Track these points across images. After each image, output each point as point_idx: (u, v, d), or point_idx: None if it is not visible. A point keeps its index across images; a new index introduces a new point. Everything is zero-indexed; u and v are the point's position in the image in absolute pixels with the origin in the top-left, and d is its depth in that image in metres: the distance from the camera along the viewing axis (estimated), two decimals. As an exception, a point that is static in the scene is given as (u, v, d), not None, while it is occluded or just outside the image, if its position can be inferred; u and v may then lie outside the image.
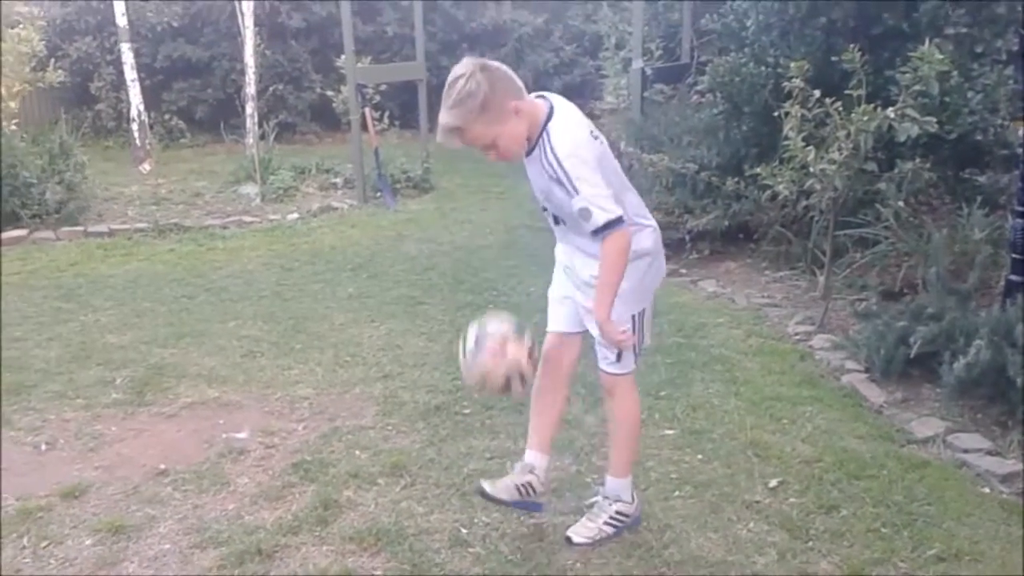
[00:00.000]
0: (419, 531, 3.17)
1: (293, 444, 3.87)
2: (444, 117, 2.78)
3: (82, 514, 3.34)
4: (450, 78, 2.76)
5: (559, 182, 2.73)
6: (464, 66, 2.77)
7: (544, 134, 2.77)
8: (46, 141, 8.27)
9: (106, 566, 3.02)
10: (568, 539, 3.11)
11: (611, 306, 2.79)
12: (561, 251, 3.12)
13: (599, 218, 2.69)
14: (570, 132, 2.78)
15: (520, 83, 2.82)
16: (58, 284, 6.30)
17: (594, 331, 2.97)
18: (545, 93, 2.90)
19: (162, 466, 3.69)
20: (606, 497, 3.15)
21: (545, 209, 2.99)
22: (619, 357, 3.00)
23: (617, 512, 3.13)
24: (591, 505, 3.20)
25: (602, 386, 3.16)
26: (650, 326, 3.12)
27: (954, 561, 2.97)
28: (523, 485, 3.16)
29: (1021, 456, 3.61)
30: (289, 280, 6.36)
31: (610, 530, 3.12)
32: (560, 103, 2.86)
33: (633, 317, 2.96)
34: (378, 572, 2.96)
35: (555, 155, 2.73)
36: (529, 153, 2.85)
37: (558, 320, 3.19)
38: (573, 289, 3.08)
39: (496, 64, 2.81)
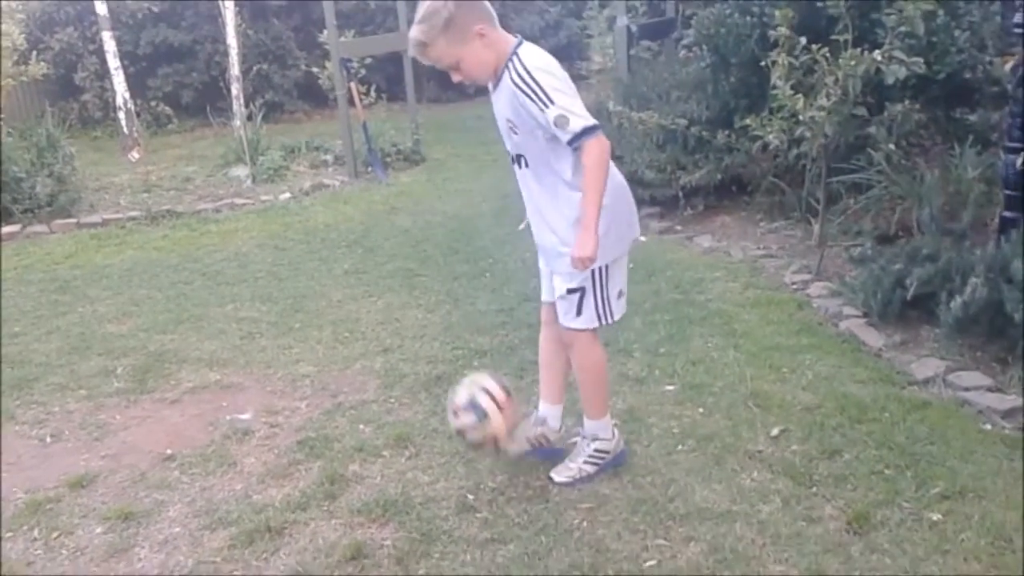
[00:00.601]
0: (426, 500, 3.19)
1: (297, 422, 3.88)
2: (411, 31, 2.86)
3: (91, 503, 3.36)
4: None
5: (530, 98, 2.75)
6: None
7: (513, 57, 2.81)
8: (33, 135, 8.23)
9: (117, 553, 3.04)
10: (550, 478, 3.23)
11: (597, 217, 2.79)
12: (527, 205, 3.12)
13: (576, 124, 2.72)
14: (542, 54, 2.84)
15: (492, 12, 2.86)
16: (54, 277, 6.30)
17: (562, 285, 3.03)
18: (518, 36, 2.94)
19: (168, 451, 3.70)
20: (584, 437, 3.27)
21: (511, 157, 3.02)
22: (579, 310, 3.03)
23: (596, 450, 3.24)
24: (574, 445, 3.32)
25: (563, 338, 3.21)
26: (617, 292, 3.09)
27: (958, 498, 2.98)
28: (535, 437, 3.28)
29: (1021, 391, 3.61)
30: (284, 260, 6.36)
31: (590, 468, 3.23)
32: (529, 43, 2.89)
33: (592, 271, 2.96)
34: (387, 542, 2.97)
35: (526, 70, 2.76)
36: (496, 86, 2.90)
37: (548, 291, 3.22)
38: (542, 248, 3.14)
39: None
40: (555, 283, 3.09)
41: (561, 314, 3.10)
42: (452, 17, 2.77)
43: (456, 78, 2.92)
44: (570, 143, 2.77)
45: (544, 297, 3.26)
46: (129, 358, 4.70)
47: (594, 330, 3.11)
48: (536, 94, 2.74)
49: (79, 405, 4.20)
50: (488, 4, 2.87)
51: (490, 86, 2.97)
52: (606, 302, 3.05)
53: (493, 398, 3.11)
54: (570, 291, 3.02)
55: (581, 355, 3.16)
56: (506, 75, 2.82)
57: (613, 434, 3.28)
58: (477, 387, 3.14)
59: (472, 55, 2.83)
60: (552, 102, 2.72)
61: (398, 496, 3.22)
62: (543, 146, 2.88)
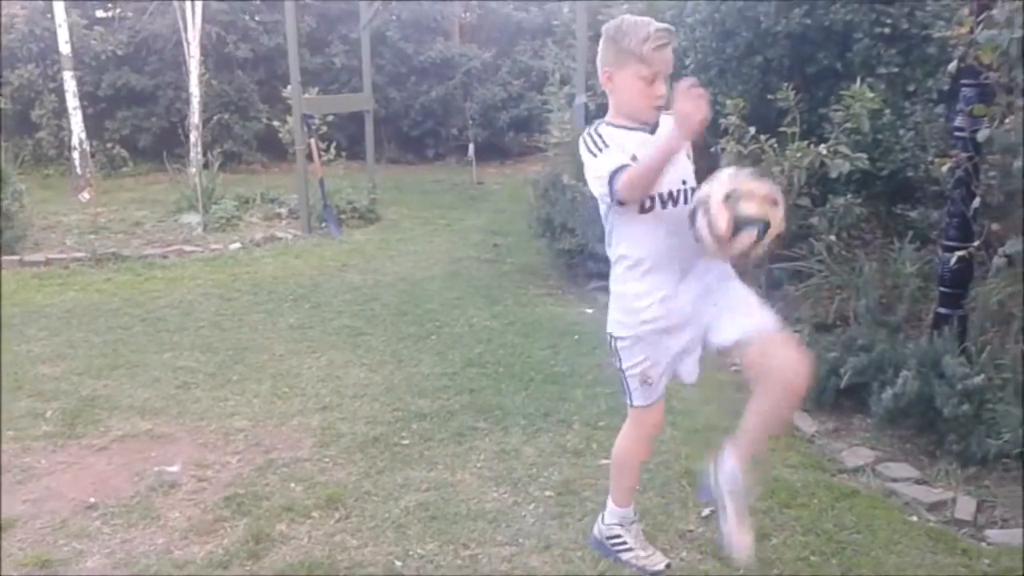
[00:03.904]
0: (352, 564, 3.15)
1: (226, 477, 3.82)
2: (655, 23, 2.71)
3: (9, 548, 3.27)
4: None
5: None
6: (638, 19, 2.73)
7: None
8: (-17, 169, 8.12)
9: (29, 602, 2.95)
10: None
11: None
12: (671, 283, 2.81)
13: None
14: None
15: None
16: (-9, 314, 6.17)
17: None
18: None
19: (91, 499, 3.61)
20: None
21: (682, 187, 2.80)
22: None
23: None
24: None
25: None
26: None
27: (881, 589, 3.02)
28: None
29: (948, 485, 3.69)
30: (229, 310, 6.30)
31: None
32: None
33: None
34: (309, 606, 2.93)
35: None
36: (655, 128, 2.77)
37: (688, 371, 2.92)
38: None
39: (634, 37, 2.67)
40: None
41: None
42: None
43: (662, 92, 2.73)
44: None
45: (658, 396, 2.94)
46: (60, 401, 4.60)
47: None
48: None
49: (5, 446, 4.09)
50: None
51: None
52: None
53: (755, 194, 2.58)
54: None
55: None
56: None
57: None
58: (734, 196, 2.56)
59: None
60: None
61: (324, 559, 3.17)
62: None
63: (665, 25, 2.68)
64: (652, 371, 2.85)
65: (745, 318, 2.76)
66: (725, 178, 2.62)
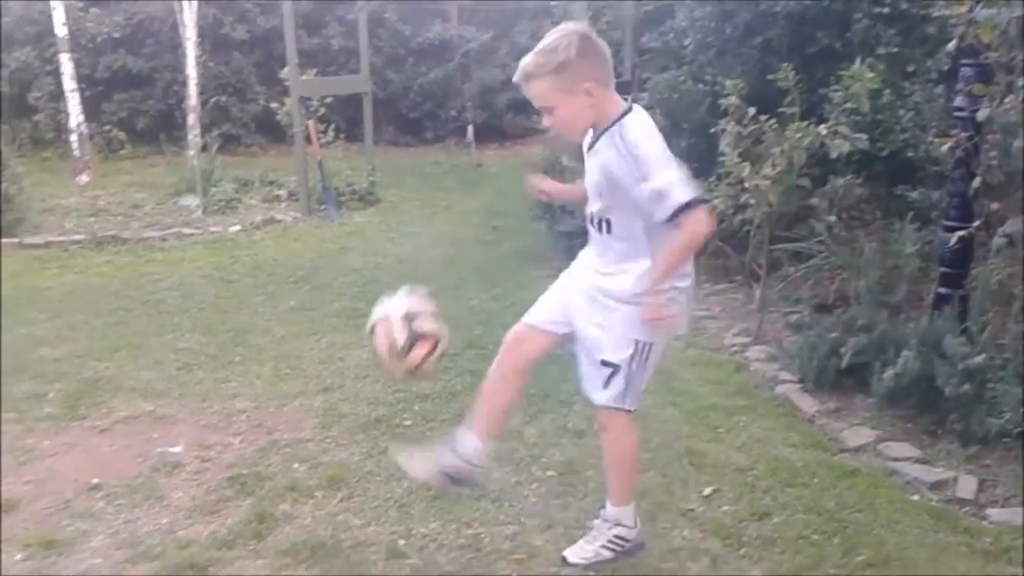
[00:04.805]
0: (356, 543, 3.16)
1: (229, 458, 3.83)
2: (524, 59, 2.71)
3: (12, 528, 3.28)
4: (553, 29, 2.71)
5: (629, 167, 2.58)
6: (570, 27, 2.72)
7: (617, 124, 2.66)
8: (-19, 152, 8.11)
9: (34, 582, 2.97)
10: (564, 559, 3.03)
11: (661, 282, 2.64)
12: (593, 258, 2.91)
13: (678, 196, 2.53)
14: (647, 124, 2.69)
15: (610, 73, 2.72)
16: (-9, 297, 6.18)
17: (597, 352, 2.82)
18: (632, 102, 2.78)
19: (95, 480, 3.62)
20: (605, 520, 3.04)
21: (592, 218, 2.83)
22: (606, 384, 2.82)
23: (616, 536, 3.01)
24: (592, 527, 3.11)
25: (596, 419, 3.08)
26: (647, 380, 2.90)
27: (883, 567, 3.03)
28: (452, 468, 3.01)
29: (949, 464, 3.70)
30: (229, 292, 6.30)
31: (608, 554, 3.01)
32: (640, 109, 2.75)
33: (636, 342, 2.78)
34: (313, 585, 2.94)
35: (629, 138, 2.62)
36: (592, 146, 2.75)
37: (538, 312, 3.02)
38: (582, 296, 2.89)
39: (600, 43, 2.71)
40: (590, 342, 2.85)
41: (587, 383, 2.91)
42: (567, 63, 2.62)
43: (546, 123, 2.77)
44: (669, 219, 2.56)
45: (528, 317, 3.03)
46: (62, 383, 4.61)
47: (630, 412, 2.91)
48: (636, 164, 2.58)
49: (7, 428, 4.10)
50: (609, 65, 2.72)
51: (584, 145, 2.81)
52: (635, 386, 2.85)
53: (387, 337, 2.89)
54: (604, 363, 2.81)
55: (616, 441, 2.96)
56: (605, 140, 2.68)
57: (636, 523, 3.05)
58: (380, 319, 2.92)
59: (570, 108, 2.67)
60: (651, 175, 2.56)
61: (327, 539, 3.18)
62: (635, 215, 2.68)
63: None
64: None
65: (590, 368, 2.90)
66: (403, 298, 2.96)
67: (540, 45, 2.68)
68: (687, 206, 2.54)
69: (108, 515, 3.37)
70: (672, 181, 2.56)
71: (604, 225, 2.79)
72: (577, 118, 2.72)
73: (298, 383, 4.62)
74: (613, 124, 2.67)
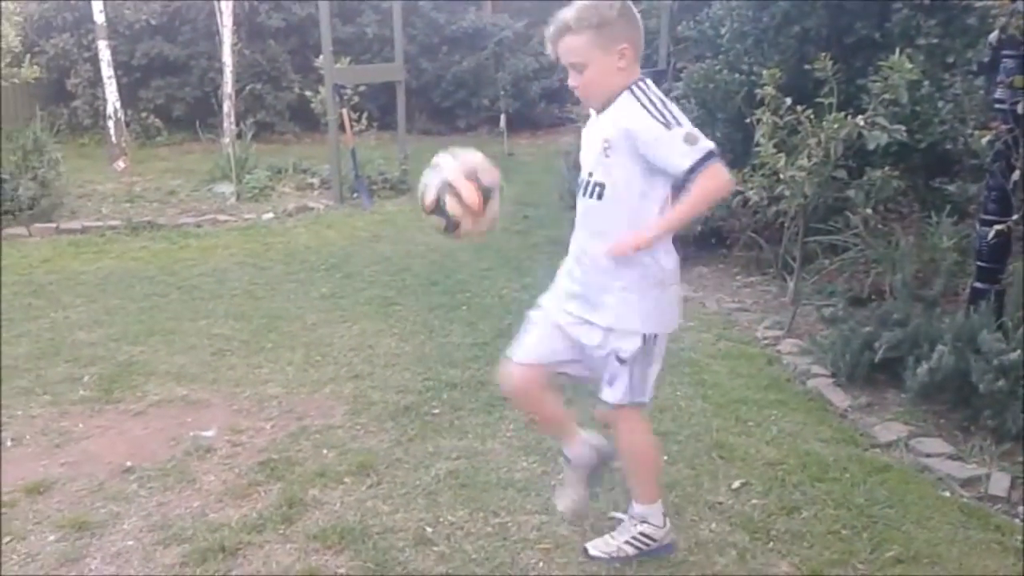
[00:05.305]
0: (384, 530, 3.18)
1: (260, 443, 3.86)
2: (563, 12, 2.66)
3: (46, 510, 3.33)
4: None
5: (655, 117, 2.57)
6: None
7: (639, 82, 2.66)
8: (20, 137, 8.21)
9: (68, 562, 3.01)
10: (585, 550, 3.01)
11: (668, 232, 2.65)
12: (575, 244, 2.91)
13: (705, 143, 2.53)
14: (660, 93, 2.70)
15: (642, 46, 2.71)
16: (29, 280, 6.27)
17: (602, 350, 2.78)
18: None
19: (128, 463, 3.67)
20: (632, 518, 2.99)
21: (585, 185, 2.78)
22: (617, 379, 2.78)
23: (641, 534, 2.95)
24: (616, 519, 3.10)
25: (604, 420, 3.03)
26: (656, 372, 2.85)
27: (912, 563, 3.00)
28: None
29: (982, 461, 3.66)
30: (262, 279, 6.35)
31: (631, 550, 2.96)
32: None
33: (643, 335, 2.74)
34: (342, 570, 2.96)
35: (655, 89, 2.65)
36: (602, 109, 2.72)
37: (529, 349, 2.96)
38: (562, 311, 2.89)
39: (636, 12, 2.70)
40: (593, 343, 2.80)
41: (604, 388, 2.84)
42: (609, 20, 2.61)
43: (572, 82, 2.73)
44: (693, 168, 2.52)
45: (519, 355, 2.96)
46: (97, 367, 4.67)
47: (640, 407, 2.85)
48: (663, 114, 2.57)
49: (43, 411, 4.17)
50: (643, 38, 2.72)
51: (593, 112, 2.79)
52: (645, 378, 2.80)
53: (461, 200, 2.70)
54: (617, 359, 2.76)
55: (631, 438, 2.90)
56: (625, 95, 2.64)
57: (664, 523, 2.97)
58: (445, 185, 2.71)
59: (601, 68, 2.64)
60: (679, 123, 2.56)
61: (356, 524, 3.20)
62: (636, 177, 2.64)
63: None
64: None
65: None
66: (451, 159, 2.76)
67: (580, 2, 2.65)
68: (713, 153, 2.54)
69: (141, 498, 3.42)
70: (694, 131, 2.57)
71: (596, 191, 2.73)
72: (604, 80, 2.67)
73: (329, 370, 4.65)
74: (635, 84, 2.66)
